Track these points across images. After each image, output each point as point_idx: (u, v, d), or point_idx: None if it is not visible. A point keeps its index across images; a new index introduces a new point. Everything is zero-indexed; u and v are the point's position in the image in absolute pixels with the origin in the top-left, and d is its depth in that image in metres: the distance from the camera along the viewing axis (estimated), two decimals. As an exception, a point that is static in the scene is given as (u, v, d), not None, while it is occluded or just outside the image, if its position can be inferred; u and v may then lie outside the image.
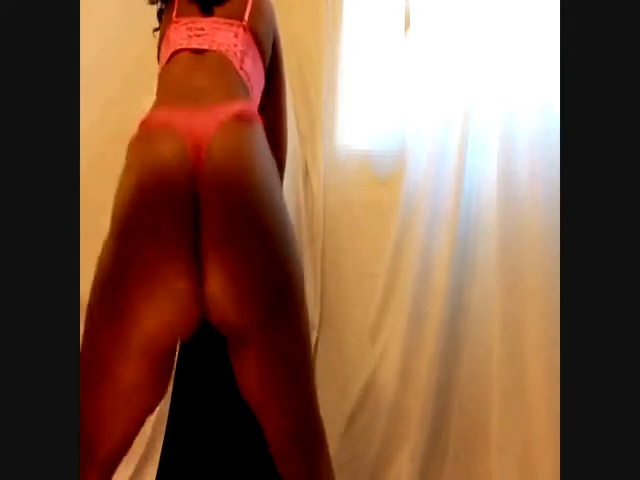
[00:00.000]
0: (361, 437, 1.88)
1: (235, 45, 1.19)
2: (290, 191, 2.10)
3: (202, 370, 1.51)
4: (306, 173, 2.17)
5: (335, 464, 1.87)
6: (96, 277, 0.94)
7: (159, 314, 0.90)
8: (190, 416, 1.52)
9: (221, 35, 1.19)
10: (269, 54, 1.37)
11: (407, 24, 1.97)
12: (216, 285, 0.91)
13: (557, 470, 1.40)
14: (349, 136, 2.10)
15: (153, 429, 1.88)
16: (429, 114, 1.84)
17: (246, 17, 1.29)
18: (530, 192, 1.59)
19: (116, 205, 0.94)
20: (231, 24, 1.23)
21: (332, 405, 1.94)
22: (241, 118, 1.02)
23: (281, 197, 1.02)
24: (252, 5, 1.30)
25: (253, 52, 1.27)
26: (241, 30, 1.24)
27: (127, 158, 0.97)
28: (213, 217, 0.90)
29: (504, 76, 1.68)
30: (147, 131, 0.97)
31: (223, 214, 0.90)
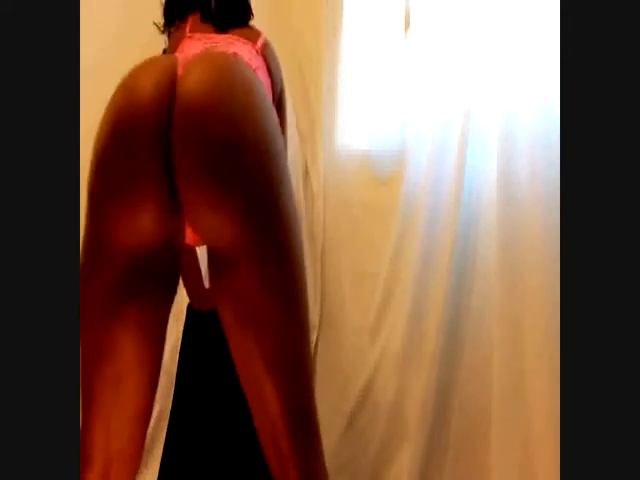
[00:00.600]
0: (361, 437, 1.88)
1: (250, 59, 1.18)
2: (290, 191, 2.10)
3: (204, 371, 1.51)
4: (306, 173, 2.17)
5: (335, 464, 1.89)
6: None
7: (132, 229, 0.87)
8: (191, 416, 1.52)
9: (236, 47, 1.18)
10: (276, 92, 1.35)
11: (407, 24, 1.98)
12: (197, 209, 0.86)
13: (557, 470, 1.40)
14: (349, 136, 2.11)
15: (153, 429, 1.88)
16: (429, 114, 1.84)
17: (259, 44, 1.30)
18: (530, 192, 1.59)
19: (96, 137, 0.90)
20: (245, 43, 1.23)
21: (332, 405, 1.95)
22: (225, 53, 0.99)
23: (268, 124, 0.92)
24: (264, 39, 1.34)
25: (264, 75, 1.25)
26: (254, 51, 1.23)
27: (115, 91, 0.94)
28: (185, 152, 0.85)
29: (504, 76, 1.67)
30: (137, 67, 0.94)
31: (195, 148, 0.84)
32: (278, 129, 0.95)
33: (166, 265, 0.94)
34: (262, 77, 1.22)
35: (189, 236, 0.94)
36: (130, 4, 2.05)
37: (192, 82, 0.86)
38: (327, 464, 1.01)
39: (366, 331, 1.94)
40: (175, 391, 1.55)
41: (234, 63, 0.95)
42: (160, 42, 2.08)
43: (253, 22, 2.25)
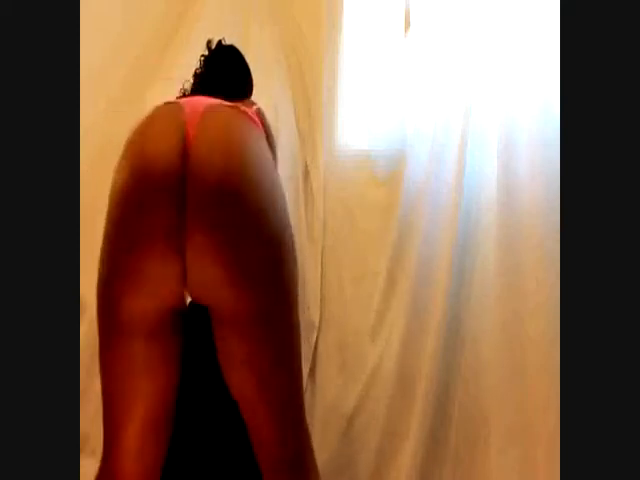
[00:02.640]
0: (361, 436, 1.88)
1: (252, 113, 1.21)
2: (290, 191, 2.10)
3: (203, 373, 1.51)
4: (306, 173, 2.17)
5: (335, 464, 1.89)
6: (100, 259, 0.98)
7: (146, 293, 0.92)
8: (191, 419, 1.52)
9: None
10: (272, 151, 1.41)
11: (407, 24, 1.98)
12: (202, 268, 0.91)
13: (557, 470, 1.40)
14: (349, 136, 2.11)
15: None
16: (429, 114, 1.84)
17: (254, 108, 1.39)
18: (530, 192, 1.59)
19: (112, 191, 0.95)
20: (243, 103, 1.28)
21: (332, 405, 1.95)
22: (230, 105, 1.04)
23: (272, 182, 0.99)
24: (258, 106, 1.42)
25: (260, 133, 1.31)
26: (250, 110, 1.28)
27: (129, 142, 0.97)
28: (196, 207, 0.90)
29: (504, 76, 1.68)
30: (149, 117, 0.98)
31: (206, 204, 0.90)
32: (280, 190, 1.02)
33: (176, 319, 1.00)
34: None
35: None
36: (131, 5, 2.05)
37: (204, 152, 0.91)
38: (327, 464, 1.03)
39: (366, 331, 1.94)
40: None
41: (239, 122, 1.02)
42: (159, 44, 2.09)
43: (253, 23, 2.26)
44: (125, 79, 1.93)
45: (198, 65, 1.53)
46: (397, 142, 1.94)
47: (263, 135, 1.15)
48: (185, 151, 0.91)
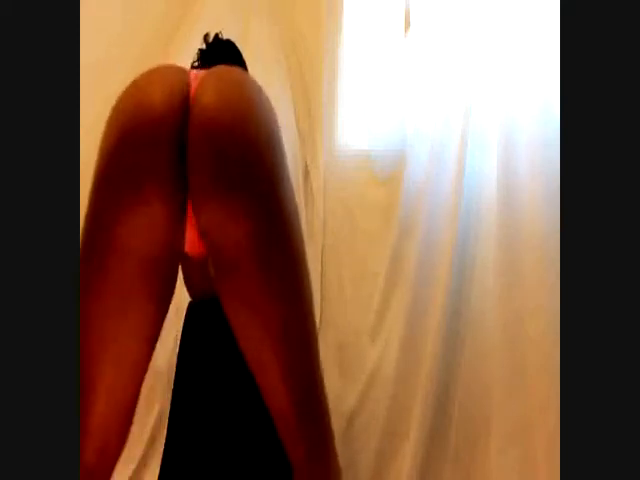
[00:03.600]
0: (361, 437, 1.88)
1: None
2: (290, 191, 2.10)
3: (203, 368, 1.51)
4: (306, 173, 2.17)
5: (335, 464, 1.89)
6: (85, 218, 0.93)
7: (139, 237, 0.89)
8: (191, 414, 1.52)
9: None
10: None
11: (407, 24, 1.98)
12: (205, 215, 0.90)
13: (557, 470, 1.40)
14: (349, 136, 2.11)
15: (153, 428, 1.88)
16: (429, 114, 1.84)
17: None
18: (530, 192, 1.59)
19: (101, 144, 0.92)
20: None
21: (332, 405, 1.95)
22: (237, 69, 1.03)
23: (276, 145, 0.97)
24: None
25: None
26: None
27: (121, 97, 0.95)
28: (198, 164, 0.88)
29: (504, 76, 1.68)
30: (148, 73, 0.96)
31: (209, 162, 0.88)
32: (281, 141, 1.00)
33: (168, 268, 0.96)
34: None
35: (189, 245, 0.96)
36: (131, 3, 2.05)
37: (207, 99, 0.89)
38: (327, 464, 1.03)
39: (366, 331, 1.94)
40: (175, 389, 1.55)
41: (245, 79, 1.01)
42: (160, 42, 2.09)
43: (253, 23, 2.25)
44: (125, 80, 1.93)
45: (195, 58, 1.53)
46: (397, 142, 1.94)
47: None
48: (188, 98, 0.89)
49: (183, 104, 0.89)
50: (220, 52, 1.55)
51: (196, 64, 1.53)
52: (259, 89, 1.02)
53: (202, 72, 0.97)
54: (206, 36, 1.55)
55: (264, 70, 1.98)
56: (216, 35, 1.55)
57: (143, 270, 0.91)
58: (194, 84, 0.92)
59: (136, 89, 0.93)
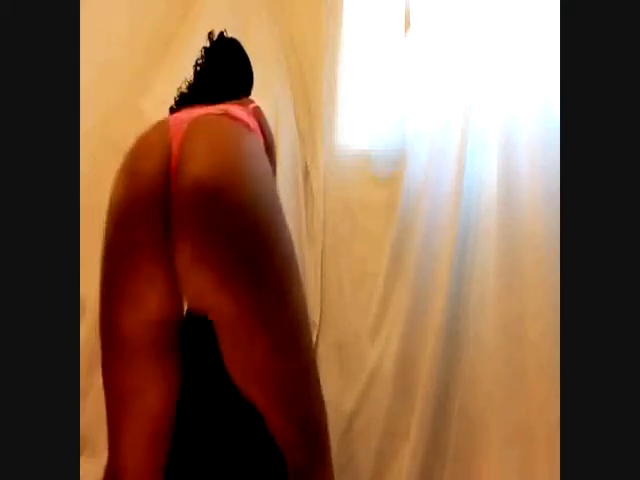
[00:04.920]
0: (361, 437, 1.88)
1: (246, 116, 1.21)
2: (290, 191, 2.10)
3: (204, 370, 1.51)
4: (306, 173, 2.17)
5: (335, 464, 1.88)
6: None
7: (140, 309, 0.93)
8: (191, 417, 1.52)
9: (227, 106, 1.20)
10: (270, 150, 1.41)
11: (407, 24, 1.98)
12: (191, 278, 0.92)
13: (557, 470, 1.40)
14: (349, 136, 2.11)
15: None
16: (429, 114, 1.84)
17: (251, 107, 1.38)
18: (530, 192, 1.59)
19: (108, 210, 0.98)
20: (240, 104, 1.27)
21: (332, 405, 1.95)
22: (217, 114, 1.03)
23: (259, 182, 0.97)
24: (255, 104, 1.39)
25: (253, 135, 1.31)
26: (246, 113, 1.28)
27: (122, 162, 0.98)
28: (180, 218, 0.90)
29: (504, 76, 1.68)
30: (139, 137, 0.99)
31: (189, 213, 0.90)
32: (274, 193, 1.01)
33: (174, 333, 1.02)
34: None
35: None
36: (132, 9, 2.05)
37: (193, 168, 0.90)
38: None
39: (366, 331, 1.94)
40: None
41: (224, 128, 1.01)
42: (160, 42, 2.09)
43: (253, 23, 2.25)
44: (125, 81, 1.93)
45: (199, 56, 1.53)
46: (397, 142, 1.94)
47: (256, 136, 1.14)
48: (169, 166, 0.92)
49: (166, 174, 0.92)
50: (224, 51, 1.54)
51: (200, 62, 1.51)
52: (247, 145, 1.02)
53: (183, 123, 0.97)
54: (210, 34, 1.54)
55: (264, 70, 1.98)
56: (221, 33, 1.54)
57: (151, 332, 0.96)
58: (175, 142, 0.93)
59: (126, 166, 0.97)
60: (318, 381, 1.05)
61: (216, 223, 0.89)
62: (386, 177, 1.98)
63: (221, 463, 1.47)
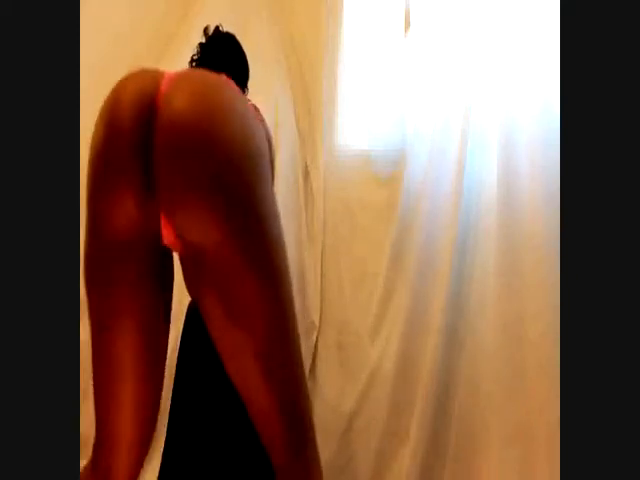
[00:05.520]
0: (361, 437, 1.88)
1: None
2: (290, 191, 2.10)
3: (203, 368, 1.51)
4: (306, 173, 2.17)
5: (335, 464, 1.89)
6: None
7: (117, 214, 0.92)
8: (191, 415, 1.52)
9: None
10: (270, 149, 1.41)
11: (407, 24, 1.98)
12: (176, 212, 0.91)
13: (557, 470, 1.40)
14: (349, 136, 2.11)
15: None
16: (429, 114, 1.84)
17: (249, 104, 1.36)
18: (530, 192, 1.59)
19: (90, 145, 0.97)
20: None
21: (332, 405, 1.95)
22: (210, 73, 1.02)
23: (244, 127, 0.96)
24: (253, 105, 1.39)
25: (247, 101, 1.30)
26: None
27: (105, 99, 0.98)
28: (165, 168, 0.90)
29: (504, 76, 1.68)
30: (124, 77, 0.98)
31: (176, 165, 0.89)
32: (253, 131, 0.99)
33: (152, 252, 0.98)
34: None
35: (166, 237, 0.97)
36: (132, 6, 2.05)
37: (175, 103, 0.90)
38: (327, 464, 1.02)
39: (366, 331, 1.94)
40: (174, 389, 1.55)
41: (217, 82, 0.99)
42: (160, 41, 2.09)
43: (253, 23, 2.25)
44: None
45: (195, 51, 1.53)
46: (397, 142, 1.94)
47: (250, 105, 1.13)
48: (153, 103, 0.91)
49: (149, 107, 0.90)
50: (220, 46, 1.53)
51: (196, 57, 1.52)
52: (233, 93, 1.01)
53: (175, 74, 0.97)
54: (206, 29, 1.53)
55: (264, 70, 1.98)
56: (216, 28, 1.54)
57: (122, 254, 0.94)
58: (165, 86, 0.93)
59: (111, 96, 0.96)
60: (299, 336, 1.03)
61: (199, 162, 0.89)
62: (386, 177, 1.98)
63: (212, 453, 1.47)
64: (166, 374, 1.10)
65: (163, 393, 1.09)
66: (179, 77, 0.95)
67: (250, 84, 1.62)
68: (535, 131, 1.59)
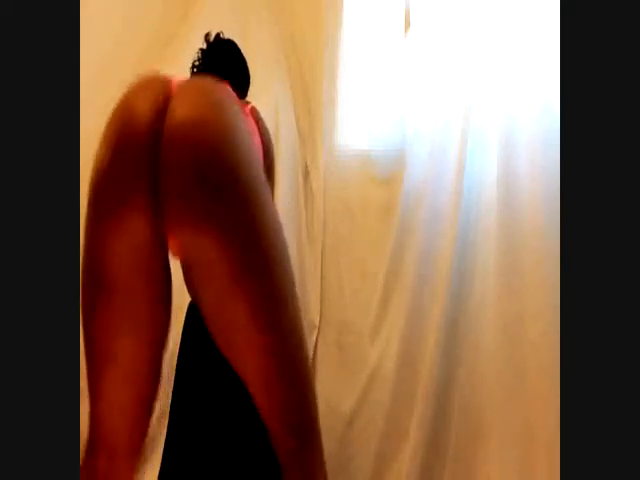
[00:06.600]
0: (361, 437, 1.88)
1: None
2: (290, 191, 2.10)
3: (204, 368, 1.51)
4: (306, 173, 2.17)
5: (335, 464, 1.89)
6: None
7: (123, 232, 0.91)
8: (191, 415, 1.53)
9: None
10: (268, 152, 1.42)
11: (407, 24, 1.98)
12: (176, 226, 0.91)
13: (557, 470, 1.40)
14: (349, 136, 2.11)
15: (153, 428, 1.88)
16: (429, 114, 1.84)
17: (248, 107, 1.38)
18: (530, 192, 1.59)
19: (95, 157, 0.95)
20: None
21: (332, 405, 1.95)
22: (211, 81, 1.03)
23: (251, 160, 0.98)
24: (252, 105, 1.41)
25: (257, 139, 1.29)
26: (246, 109, 1.26)
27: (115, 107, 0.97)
28: (167, 178, 0.90)
29: (504, 76, 1.68)
30: (135, 87, 0.98)
31: (177, 176, 0.89)
32: (255, 154, 1.00)
33: (156, 267, 0.97)
34: (256, 141, 1.31)
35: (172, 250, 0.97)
36: (131, 9, 2.05)
37: (178, 113, 0.90)
38: (327, 464, 1.02)
39: (366, 331, 1.94)
40: (175, 389, 1.55)
41: (219, 95, 0.99)
42: (160, 42, 2.09)
43: (253, 23, 2.25)
44: (125, 81, 1.93)
45: (195, 57, 1.53)
46: (397, 142, 1.94)
47: (243, 113, 1.13)
48: (164, 116, 0.91)
49: (161, 120, 0.90)
50: (220, 52, 1.55)
51: (197, 63, 1.53)
52: (232, 102, 1.02)
53: (178, 86, 0.98)
54: (207, 35, 1.55)
55: (264, 70, 1.98)
56: (217, 35, 1.55)
57: (134, 271, 0.92)
58: (172, 99, 0.93)
59: (122, 106, 0.95)
60: (304, 336, 1.02)
61: (200, 174, 0.89)
62: (386, 177, 1.98)
63: (212, 453, 1.47)
64: (166, 374, 1.10)
65: (164, 393, 1.09)
66: (181, 87, 0.95)
67: (250, 84, 1.62)
68: (535, 131, 1.59)
